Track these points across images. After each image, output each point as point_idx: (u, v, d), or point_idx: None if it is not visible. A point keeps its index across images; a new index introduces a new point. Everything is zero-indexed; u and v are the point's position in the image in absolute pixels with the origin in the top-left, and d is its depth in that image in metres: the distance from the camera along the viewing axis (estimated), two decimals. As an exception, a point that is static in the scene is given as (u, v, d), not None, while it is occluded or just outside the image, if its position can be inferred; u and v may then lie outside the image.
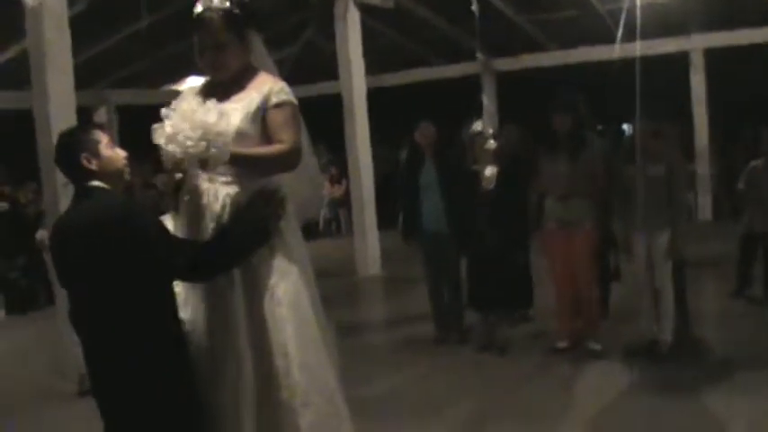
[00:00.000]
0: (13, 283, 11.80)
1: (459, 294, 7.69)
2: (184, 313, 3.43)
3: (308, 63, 15.39)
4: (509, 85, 17.24)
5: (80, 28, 7.98)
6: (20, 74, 8.42)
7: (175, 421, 3.27)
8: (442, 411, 6.00)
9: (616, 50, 11.27)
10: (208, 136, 3.21)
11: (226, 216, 3.44)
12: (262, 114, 3.48)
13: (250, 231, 3.39)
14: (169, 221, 3.55)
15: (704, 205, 15.37)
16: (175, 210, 3.60)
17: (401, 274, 11.04)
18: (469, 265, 7.51)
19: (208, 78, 3.69)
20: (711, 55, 15.45)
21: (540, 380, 6.64)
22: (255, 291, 3.44)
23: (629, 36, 10.37)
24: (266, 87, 3.51)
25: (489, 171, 7.26)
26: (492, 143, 7.35)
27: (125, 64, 15.02)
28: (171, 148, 3.24)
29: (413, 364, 7.22)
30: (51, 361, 7.56)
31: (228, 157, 3.27)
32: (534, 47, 16.16)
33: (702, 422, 5.44)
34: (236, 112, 3.45)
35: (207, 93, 3.57)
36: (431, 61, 17.06)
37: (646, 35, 13.89)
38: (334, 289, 9.45)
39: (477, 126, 7.78)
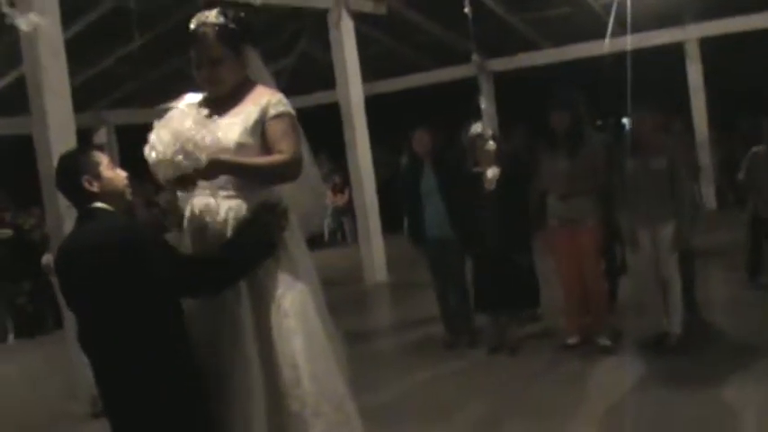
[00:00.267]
0: (21, 308, 11.83)
1: (466, 297, 7.68)
2: (192, 328, 3.44)
3: (305, 73, 15.42)
4: (506, 85, 17.25)
5: (75, 51, 8.01)
6: (18, 99, 8.45)
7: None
8: (454, 413, 6.00)
9: (610, 45, 11.29)
10: (186, 147, 3.24)
11: (229, 230, 3.45)
12: (261, 127, 3.49)
13: (254, 244, 3.40)
14: (173, 239, 3.56)
15: (708, 195, 15.35)
16: (179, 227, 3.61)
17: (408, 279, 11.03)
18: (475, 268, 7.51)
19: (205, 94, 3.70)
20: (707, 44, 15.44)
21: (550, 377, 6.63)
22: (262, 303, 3.44)
23: (624, 30, 10.41)
24: (264, 100, 3.52)
25: (491, 172, 7.25)
26: (491, 144, 7.35)
27: (121, 84, 15.09)
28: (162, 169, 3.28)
29: (423, 369, 7.21)
30: (63, 384, 7.57)
31: (203, 163, 3.28)
32: (529, 46, 16.18)
33: (714, 414, 5.41)
34: (234, 126, 3.46)
35: (204, 108, 3.58)
36: (427, 66, 17.07)
37: (640, 28, 13.95)
38: (342, 297, 9.45)
39: (477, 128, 7.78)
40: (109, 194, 3.35)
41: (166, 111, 3.48)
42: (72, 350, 6.31)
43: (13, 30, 7.19)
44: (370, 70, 13.66)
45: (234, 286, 3.40)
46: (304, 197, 3.76)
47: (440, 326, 7.98)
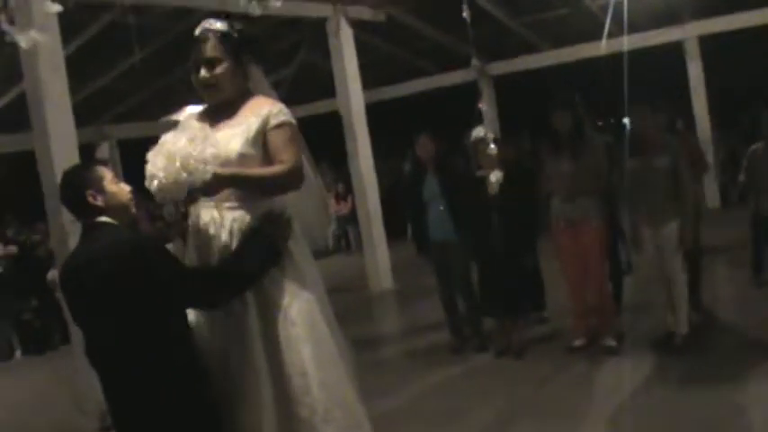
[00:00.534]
0: (28, 324, 11.85)
1: (473, 301, 7.68)
2: (201, 339, 3.45)
3: (305, 83, 15.44)
4: (507, 88, 17.25)
5: (76, 66, 8.03)
6: (20, 116, 8.47)
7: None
8: (464, 417, 6.00)
9: (610, 45, 11.29)
10: (187, 164, 3.25)
11: (234, 241, 3.47)
12: (262, 137, 3.51)
13: (259, 254, 3.41)
14: (178, 251, 3.57)
15: (711, 193, 15.34)
16: (183, 239, 3.62)
17: (413, 286, 11.03)
18: (480, 272, 7.51)
19: (205, 106, 3.72)
20: (706, 42, 15.44)
21: (558, 379, 6.62)
22: (269, 312, 3.46)
23: (623, 30, 10.41)
24: (265, 110, 3.54)
25: (495, 176, 7.25)
26: (493, 148, 7.35)
27: (123, 98, 15.12)
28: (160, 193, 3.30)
29: (430, 374, 7.21)
30: (71, 399, 7.57)
31: (210, 176, 3.30)
32: (528, 48, 16.19)
33: (722, 413, 5.39)
34: (236, 137, 3.48)
35: (205, 119, 3.61)
36: (427, 71, 17.08)
37: (639, 27, 13.97)
38: (348, 304, 9.46)
39: (479, 132, 7.79)
40: (113, 208, 3.37)
41: (168, 123, 3.50)
42: (80, 365, 6.32)
43: (13, 47, 7.21)
44: (371, 77, 13.67)
45: (241, 297, 3.41)
46: (308, 207, 3.79)
47: (446, 331, 7.98)
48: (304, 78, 15.41)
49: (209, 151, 3.34)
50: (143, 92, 14.77)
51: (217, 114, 3.62)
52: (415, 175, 7.86)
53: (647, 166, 6.71)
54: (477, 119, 8.37)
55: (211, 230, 3.50)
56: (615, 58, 11.60)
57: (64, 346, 10.14)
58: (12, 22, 6.35)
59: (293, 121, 3.59)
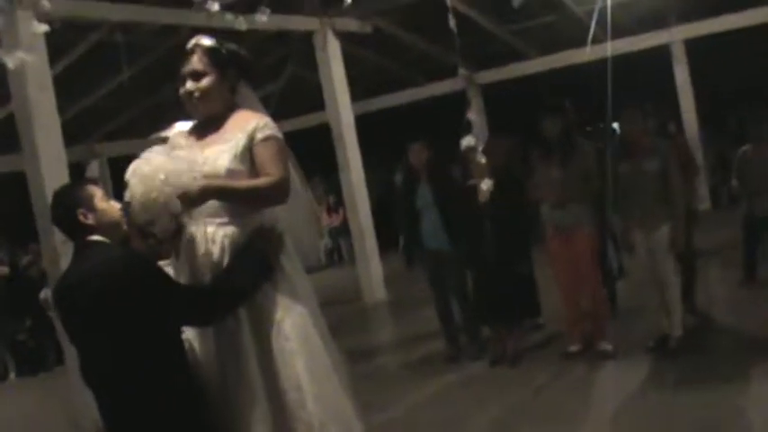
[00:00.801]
0: (22, 345, 11.81)
1: (469, 308, 7.68)
2: (195, 356, 3.45)
3: (294, 96, 15.45)
4: (495, 96, 17.29)
5: (64, 85, 8.03)
6: (9, 137, 8.46)
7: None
8: (463, 425, 6.00)
9: (596, 50, 11.32)
10: (170, 179, 3.27)
11: (226, 257, 3.47)
12: (249, 153, 3.52)
13: (251, 269, 3.41)
14: (170, 268, 3.57)
15: (702, 195, 15.37)
16: (176, 256, 3.62)
17: (406, 296, 11.04)
18: (474, 280, 7.52)
19: (194, 123, 3.73)
20: (692, 45, 15.50)
21: (555, 385, 6.63)
22: (262, 327, 3.45)
23: (610, 35, 10.44)
24: (251, 125, 3.54)
25: (485, 185, 7.26)
26: (481, 156, 7.37)
27: (112, 117, 15.11)
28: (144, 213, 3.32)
29: (426, 384, 7.20)
30: (66, 417, 7.55)
31: (198, 190, 3.32)
32: (516, 56, 16.23)
33: (718, 413, 5.40)
34: (223, 154, 3.49)
35: (193, 136, 3.63)
36: (415, 81, 17.12)
37: (625, 32, 14.01)
38: (342, 316, 9.45)
39: (469, 141, 7.81)
40: (104, 226, 3.36)
41: (157, 140, 3.51)
42: (74, 386, 6.30)
43: (1, 67, 7.22)
44: (359, 89, 13.70)
45: (234, 313, 3.41)
46: (298, 220, 3.79)
47: (441, 340, 7.97)
48: (293, 92, 15.43)
49: (201, 168, 3.35)
50: (132, 110, 14.76)
51: (204, 130, 3.63)
52: (408, 183, 7.86)
53: (637, 169, 6.72)
54: (466, 129, 8.38)
55: (203, 247, 3.50)
56: (603, 63, 11.63)
57: (58, 367, 10.11)
58: (-1, 43, 6.35)
59: (279, 135, 3.60)
